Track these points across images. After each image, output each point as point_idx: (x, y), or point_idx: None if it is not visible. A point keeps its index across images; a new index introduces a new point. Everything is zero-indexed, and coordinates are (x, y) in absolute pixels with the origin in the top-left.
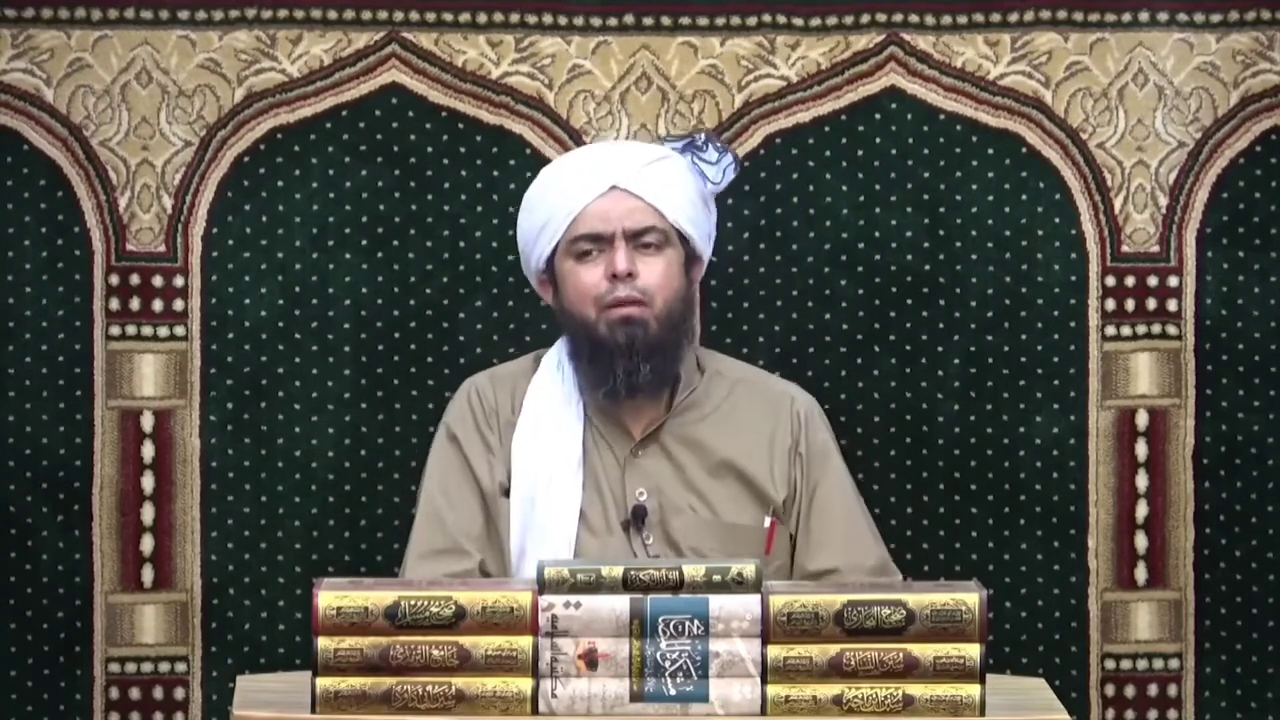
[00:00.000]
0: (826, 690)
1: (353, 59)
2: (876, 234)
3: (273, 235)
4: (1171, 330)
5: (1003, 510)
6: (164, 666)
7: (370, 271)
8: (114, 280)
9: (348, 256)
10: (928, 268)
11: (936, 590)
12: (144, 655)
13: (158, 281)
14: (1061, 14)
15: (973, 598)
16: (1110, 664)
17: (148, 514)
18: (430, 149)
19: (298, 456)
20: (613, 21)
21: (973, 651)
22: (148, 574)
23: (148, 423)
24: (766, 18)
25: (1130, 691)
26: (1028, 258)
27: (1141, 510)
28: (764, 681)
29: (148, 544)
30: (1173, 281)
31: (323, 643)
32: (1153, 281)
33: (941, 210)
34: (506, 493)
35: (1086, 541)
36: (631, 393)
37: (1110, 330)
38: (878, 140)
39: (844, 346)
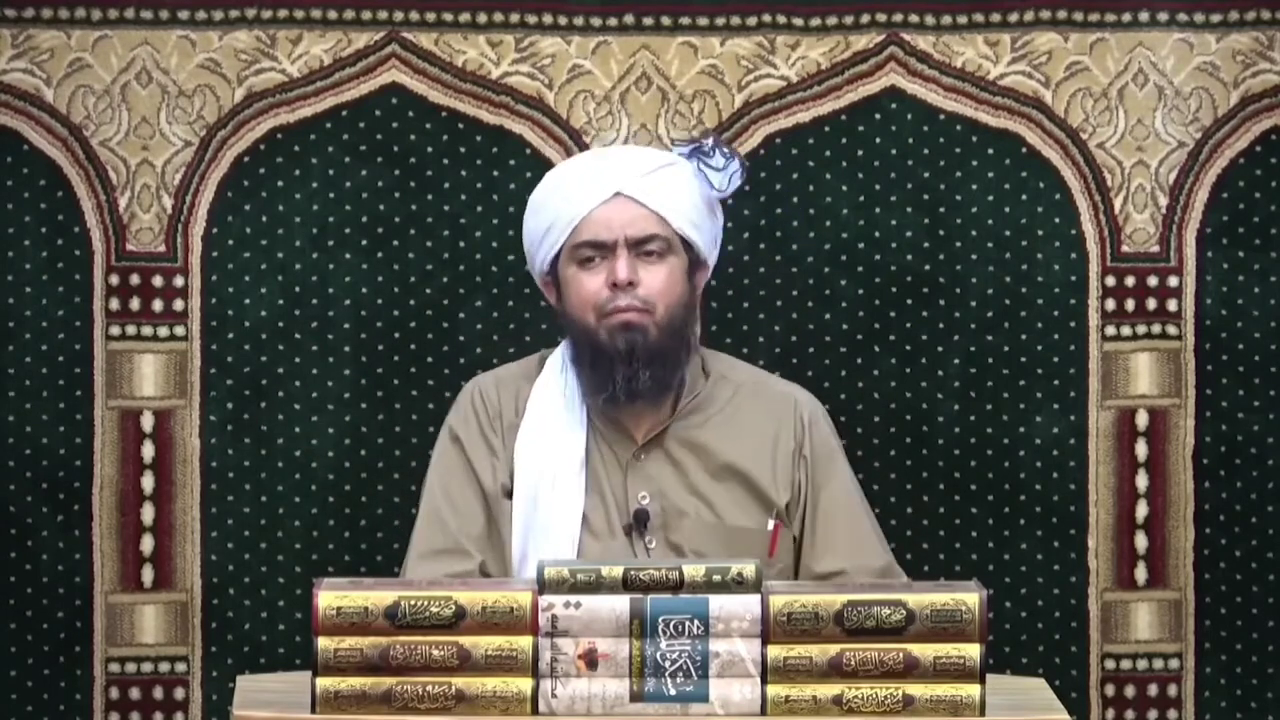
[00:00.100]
0: (826, 690)
1: (353, 59)
2: (876, 234)
3: (273, 235)
4: (1171, 330)
5: (1003, 510)
6: (164, 666)
7: (370, 271)
8: (114, 280)
9: (348, 256)
10: (928, 268)
11: (936, 590)
12: (144, 655)
13: (158, 281)
14: (1061, 14)
15: (973, 598)
16: (1110, 664)
17: (148, 514)
18: (430, 149)
19: (298, 456)
20: (613, 21)
21: (973, 651)
22: (148, 574)
23: (148, 423)
24: (766, 18)
25: (1130, 691)
26: (1028, 258)
27: (1141, 510)
28: (764, 681)
29: (148, 544)
30: (1173, 281)
31: (323, 643)
32: (1153, 281)
33: (941, 210)
34: (509, 494)
35: (1086, 541)
36: (631, 399)
37: (1110, 330)
38: (878, 140)
39: (844, 346)
